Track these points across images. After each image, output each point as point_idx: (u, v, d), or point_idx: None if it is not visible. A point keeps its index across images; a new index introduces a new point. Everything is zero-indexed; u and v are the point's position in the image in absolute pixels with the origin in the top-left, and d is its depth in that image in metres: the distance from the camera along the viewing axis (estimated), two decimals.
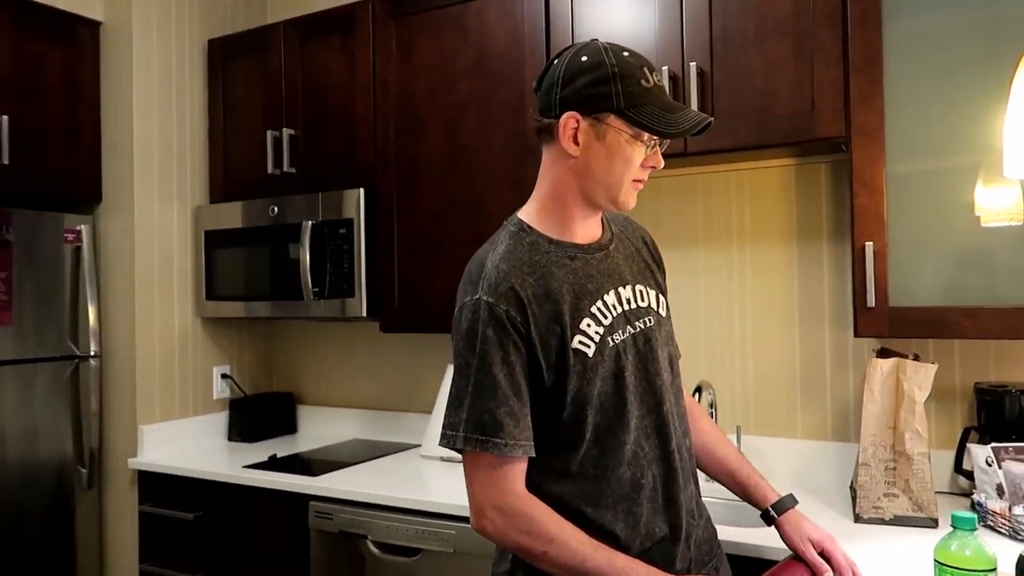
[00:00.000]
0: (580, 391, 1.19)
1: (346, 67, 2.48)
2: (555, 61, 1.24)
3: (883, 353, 1.80)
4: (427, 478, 2.22)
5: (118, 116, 2.59)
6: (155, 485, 2.44)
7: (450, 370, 2.41)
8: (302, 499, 2.14)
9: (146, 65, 2.60)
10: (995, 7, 1.65)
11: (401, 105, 2.38)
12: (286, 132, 2.56)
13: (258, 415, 2.78)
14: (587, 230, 1.29)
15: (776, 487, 1.42)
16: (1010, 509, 1.53)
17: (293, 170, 2.56)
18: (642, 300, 1.30)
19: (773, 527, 1.37)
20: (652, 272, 1.37)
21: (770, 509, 1.37)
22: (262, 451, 2.54)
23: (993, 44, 1.64)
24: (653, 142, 1.22)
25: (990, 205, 1.67)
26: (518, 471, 1.18)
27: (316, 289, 2.43)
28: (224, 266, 2.66)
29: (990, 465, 1.59)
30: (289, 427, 2.89)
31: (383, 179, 2.39)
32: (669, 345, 1.34)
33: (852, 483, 1.78)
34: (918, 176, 1.75)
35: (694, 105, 1.91)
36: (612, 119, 1.18)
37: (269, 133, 2.58)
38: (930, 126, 1.73)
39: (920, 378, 1.67)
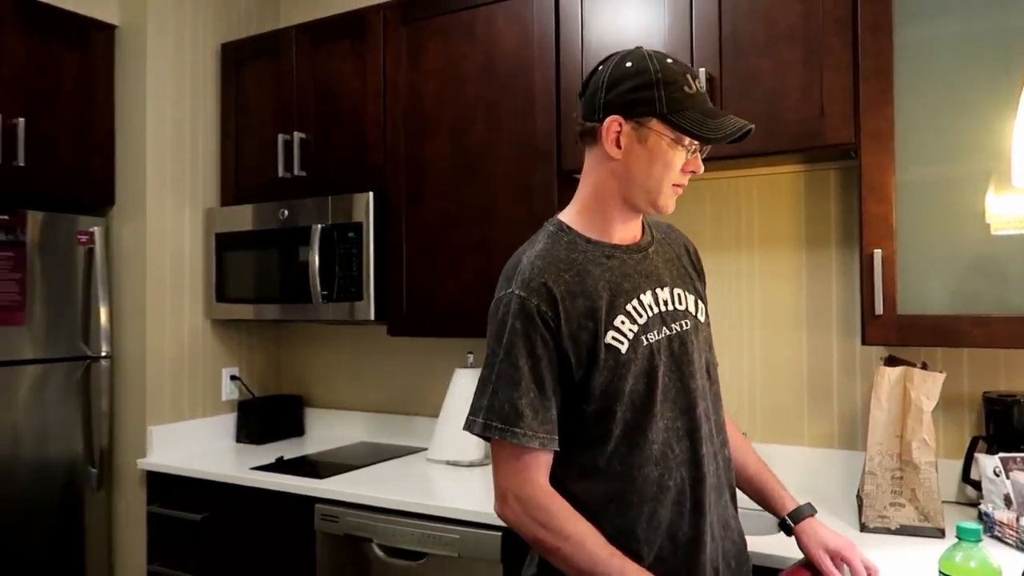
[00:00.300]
0: (610, 386, 1.20)
1: (357, 71, 2.50)
2: (600, 67, 1.26)
3: (891, 361, 1.79)
4: (433, 482, 2.22)
5: (132, 119, 2.61)
6: (163, 486, 2.46)
7: (458, 374, 2.42)
8: (308, 501, 2.15)
9: (160, 69, 2.62)
10: (1005, 15, 1.64)
11: (410, 109, 2.39)
12: (297, 135, 2.57)
13: (266, 417, 2.79)
14: (627, 232, 1.31)
15: None
16: (1018, 520, 1.52)
17: (303, 173, 2.57)
18: (680, 303, 1.31)
19: (792, 537, 1.37)
20: (692, 279, 1.37)
21: (787, 518, 1.37)
22: (270, 453, 2.55)
23: (1004, 52, 1.63)
24: (694, 147, 1.24)
25: (1000, 213, 1.66)
26: (541, 463, 1.20)
27: (325, 292, 2.44)
28: (234, 268, 2.68)
29: (998, 475, 1.57)
30: (297, 429, 2.90)
31: (392, 183, 2.40)
32: (707, 351, 1.34)
33: (859, 492, 1.77)
34: (928, 183, 1.74)
35: None
36: (654, 123, 1.21)
37: (280, 136, 2.60)
38: (940, 133, 1.72)
39: (928, 387, 1.65)
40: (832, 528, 1.36)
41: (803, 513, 1.36)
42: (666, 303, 1.28)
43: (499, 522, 1.82)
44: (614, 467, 1.22)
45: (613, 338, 1.21)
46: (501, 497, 1.22)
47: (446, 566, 1.93)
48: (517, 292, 1.21)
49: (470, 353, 2.49)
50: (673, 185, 1.25)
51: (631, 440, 1.21)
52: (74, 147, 2.54)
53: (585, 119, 1.27)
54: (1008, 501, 1.55)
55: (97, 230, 2.57)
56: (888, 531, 1.64)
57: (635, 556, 1.20)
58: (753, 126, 1.24)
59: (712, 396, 1.33)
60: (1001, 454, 1.57)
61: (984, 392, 1.84)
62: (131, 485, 2.57)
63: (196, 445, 2.67)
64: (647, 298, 1.26)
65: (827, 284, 2.10)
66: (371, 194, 2.39)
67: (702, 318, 1.35)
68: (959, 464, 1.87)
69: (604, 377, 1.20)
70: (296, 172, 2.58)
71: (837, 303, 2.09)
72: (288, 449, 2.62)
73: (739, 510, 1.38)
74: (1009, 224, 1.66)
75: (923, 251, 1.73)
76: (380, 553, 2.02)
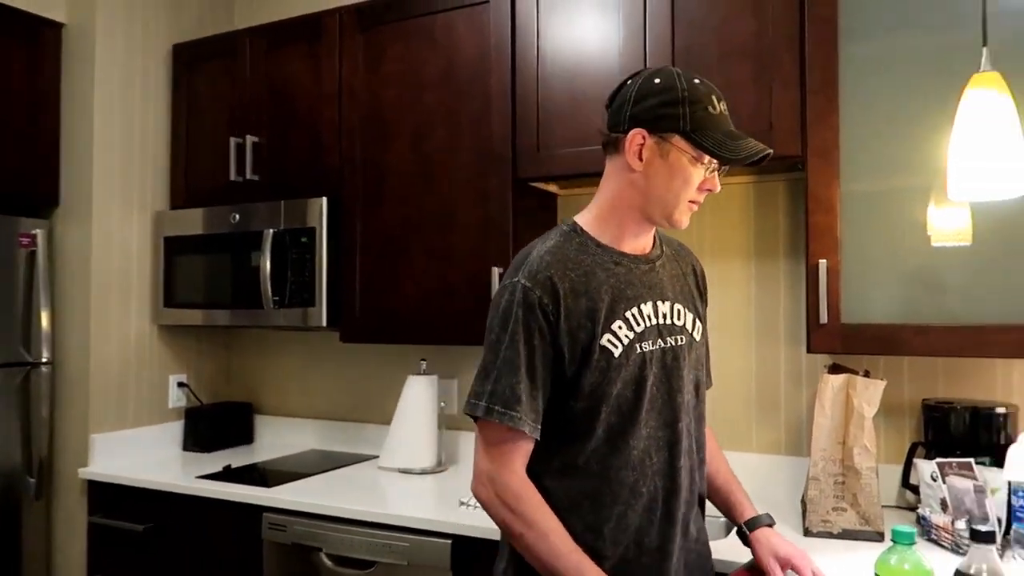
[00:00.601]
0: (599, 387, 1.24)
1: (312, 75, 2.48)
2: (628, 81, 1.30)
3: (835, 369, 1.83)
4: (384, 490, 2.20)
5: (79, 119, 2.55)
6: (105, 496, 2.38)
7: (410, 381, 2.40)
8: (256, 510, 2.10)
9: (109, 68, 2.56)
10: (947, 33, 1.70)
11: (368, 114, 2.37)
12: (249, 139, 2.54)
13: (215, 425, 2.74)
14: (638, 243, 1.34)
15: None
16: (953, 523, 1.56)
17: (256, 177, 2.54)
18: (678, 319, 1.34)
19: (748, 546, 1.40)
20: (694, 298, 1.41)
21: (743, 525, 1.40)
22: (217, 461, 2.49)
23: (945, 68, 1.68)
24: (712, 166, 1.27)
25: (940, 225, 1.71)
26: (523, 451, 1.24)
27: (276, 298, 2.40)
28: (183, 273, 2.63)
29: (935, 480, 1.61)
30: (246, 437, 2.85)
31: (348, 188, 2.39)
32: (698, 370, 1.37)
33: (803, 497, 1.80)
34: (871, 196, 1.78)
35: None
36: (677, 139, 1.24)
37: (232, 140, 2.56)
38: (883, 147, 1.77)
39: (869, 394, 1.70)
40: (781, 535, 1.39)
41: (759, 522, 1.39)
42: (665, 316, 1.32)
43: (449, 529, 1.84)
44: (592, 466, 1.25)
45: (608, 341, 1.25)
46: (478, 477, 1.26)
47: (395, 575, 1.90)
48: (522, 282, 1.25)
49: (423, 360, 2.47)
50: (689, 201, 1.29)
51: (612, 443, 1.25)
52: (17, 146, 2.46)
53: (610, 130, 1.30)
54: (944, 505, 1.59)
55: (40, 232, 2.50)
56: (831, 535, 1.67)
57: (598, 553, 1.23)
58: (771, 151, 1.27)
59: (696, 414, 1.36)
60: (938, 459, 1.61)
61: (923, 399, 1.89)
62: (71, 495, 2.49)
63: (141, 454, 2.60)
64: (647, 308, 1.30)
65: (775, 294, 2.14)
66: (325, 199, 2.37)
67: (698, 337, 1.38)
68: (900, 469, 1.92)
69: (594, 377, 1.24)
70: (248, 176, 2.54)
71: (784, 312, 2.13)
72: (237, 457, 2.57)
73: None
74: (948, 236, 1.71)
75: (866, 262, 1.78)
76: (328, 562, 1.99)
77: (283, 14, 2.71)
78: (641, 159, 1.26)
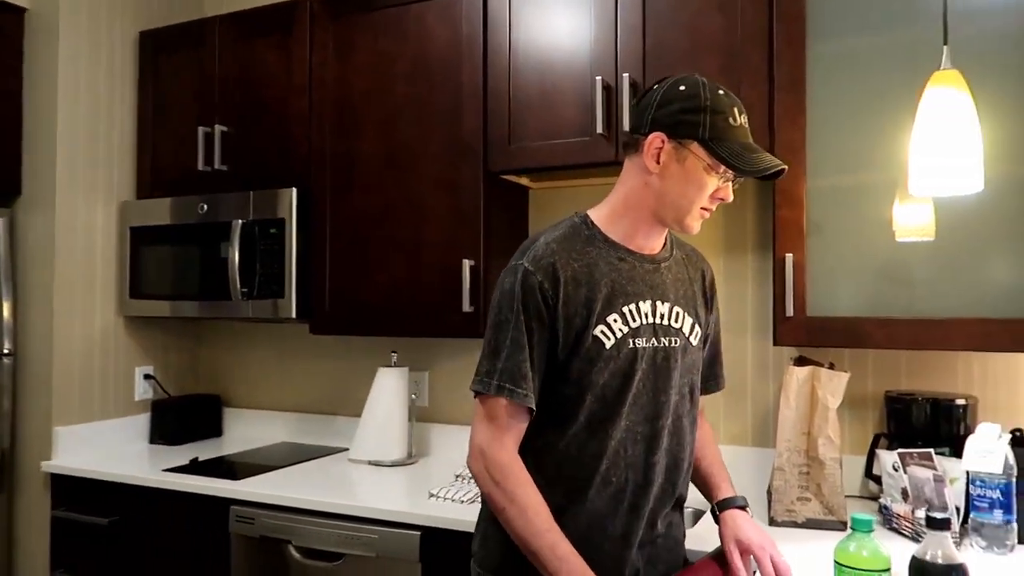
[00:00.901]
0: (587, 375, 1.28)
1: (282, 65, 2.45)
2: (656, 86, 1.33)
3: (800, 362, 1.86)
4: (353, 482, 2.19)
5: (42, 107, 2.50)
6: (69, 489, 2.35)
7: (381, 373, 2.40)
8: (223, 503, 2.09)
9: (73, 55, 2.51)
10: (911, 32, 1.73)
11: (338, 105, 2.36)
12: (218, 128, 2.51)
13: (182, 417, 2.71)
14: (647, 243, 1.37)
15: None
16: (913, 512, 1.59)
17: (224, 167, 2.51)
18: (675, 321, 1.37)
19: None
20: (696, 303, 1.42)
21: (715, 506, 1.42)
22: (185, 454, 2.47)
23: (909, 67, 1.71)
24: (727, 176, 1.29)
25: (904, 221, 1.74)
26: (518, 429, 1.29)
27: (245, 289, 2.38)
28: (150, 264, 2.59)
29: (896, 470, 1.65)
30: (215, 430, 2.82)
31: (317, 179, 2.37)
32: (692, 373, 1.40)
33: (768, 487, 1.83)
34: (837, 191, 1.81)
35: (625, 115, 1.95)
36: (694, 146, 1.27)
37: (200, 129, 2.53)
38: (849, 143, 1.79)
39: (833, 386, 1.72)
40: (751, 519, 1.39)
41: (730, 503, 1.41)
42: (662, 317, 1.35)
43: (418, 521, 1.84)
44: (571, 451, 1.30)
45: (601, 332, 1.28)
46: (472, 450, 1.31)
47: (364, 567, 1.90)
48: (526, 265, 1.29)
49: (394, 352, 2.46)
50: (701, 208, 1.31)
51: (592, 431, 1.29)
52: None
53: (632, 130, 1.34)
54: (905, 494, 1.63)
55: (1, 222, 2.44)
56: (795, 524, 1.70)
57: (562, 530, 1.26)
58: (786, 167, 1.30)
59: (688, 416, 1.39)
60: (900, 450, 1.64)
61: (886, 391, 1.93)
62: (34, 488, 2.45)
63: (106, 447, 2.56)
64: (645, 306, 1.33)
65: (743, 288, 2.17)
66: (295, 190, 2.35)
67: (695, 342, 1.40)
68: (863, 460, 1.95)
69: (583, 364, 1.28)
70: (217, 166, 2.51)
71: (752, 306, 2.16)
72: (204, 450, 2.54)
73: None
74: (912, 232, 1.74)
75: (832, 256, 1.81)
76: (297, 555, 1.98)
77: (253, 2, 2.69)
78: (658, 162, 1.29)
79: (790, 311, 1.80)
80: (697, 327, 1.41)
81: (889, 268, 1.76)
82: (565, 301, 1.28)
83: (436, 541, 1.83)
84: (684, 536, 1.47)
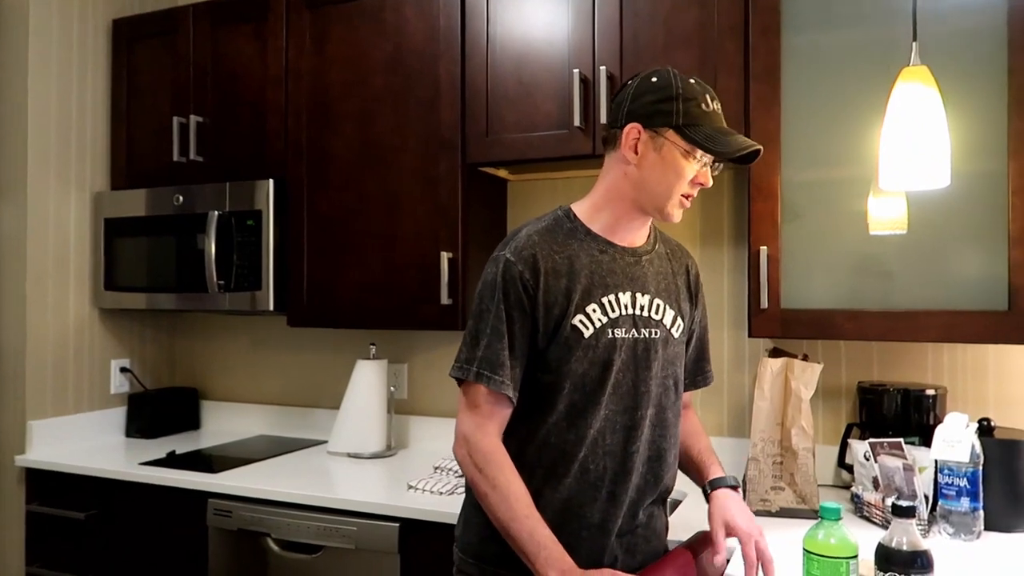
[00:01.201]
0: (566, 364, 1.31)
1: (258, 55, 2.43)
2: (630, 81, 1.38)
3: (775, 353, 1.88)
4: (332, 474, 2.19)
5: (12, 96, 2.46)
6: (44, 483, 2.33)
7: (360, 365, 2.40)
8: (201, 496, 2.08)
9: (44, 44, 2.47)
10: (882, 28, 1.74)
11: (314, 97, 2.34)
12: (193, 119, 2.48)
13: (159, 411, 2.69)
14: (629, 235, 1.40)
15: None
16: (883, 500, 1.62)
17: (200, 158, 2.48)
18: (656, 313, 1.39)
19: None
20: (679, 297, 1.44)
21: (707, 485, 1.43)
22: (162, 448, 2.45)
23: (881, 63, 1.73)
24: (705, 160, 1.32)
25: (877, 214, 1.77)
26: (500, 416, 1.32)
27: (222, 282, 2.36)
28: (125, 256, 2.56)
29: (868, 459, 1.67)
30: (192, 423, 2.80)
31: (294, 171, 2.35)
32: (674, 366, 1.42)
33: (743, 477, 1.85)
34: (811, 184, 1.83)
35: (603, 108, 1.95)
36: (670, 134, 1.30)
37: (176, 119, 2.50)
38: (823, 137, 1.81)
39: (807, 377, 1.75)
40: (740, 501, 1.40)
41: (721, 482, 1.42)
42: (642, 308, 1.37)
43: (397, 513, 1.85)
44: (551, 438, 1.33)
45: (580, 321, 1.31)
46: (457, 438, 1.34)
47: (343, 558, 1.90)
48: (507, 256, 1.33)
49: (372, 344, 2.46)
50: (682, 196, 1.34)
51: (572, 419, 1.32)
52: None
53: (609, 125, 1.38)
54: (876, 483, 1.66)
55: None
56: (769, 513, 1.73)
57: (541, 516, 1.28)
58: (761, 148, 1.32)
59: (673, 410, 1.41)
60: (871, 439, 1.67)
61: (859, 382, 1.96)
62: (8, 483, 2.42)
63: (81, 440, 2.54)
64: (625, 298, 1.35)
65: (719, 280, 2.19)
66: (271, 181, 2.33)
67: (676, 334, 1.42)
68: (836, 450, 1.98)
69: (562, 353, 1.31)
70: (192, 156, 2.48)
71: (728, 298, 2.18)
72: (181, 444, 2.53)
73: None
74: (885, 225, 1.77)
75: (806, 249, 1.83)
76: (275, 547, 1.98)
77: None
78: (636, 152, 1.32)
79: (764, 303, 1.82)
80: (680, 320, 1.43)
81: (862, 261, 1.79)
82: (545, 290, 1.31)
83: (415, 532, 1.84)
84: (667, 528, 1.49)
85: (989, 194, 1.69)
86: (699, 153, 1.30)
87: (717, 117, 1.32)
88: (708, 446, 1.54)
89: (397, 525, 1.85)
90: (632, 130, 1.31)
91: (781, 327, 1.82)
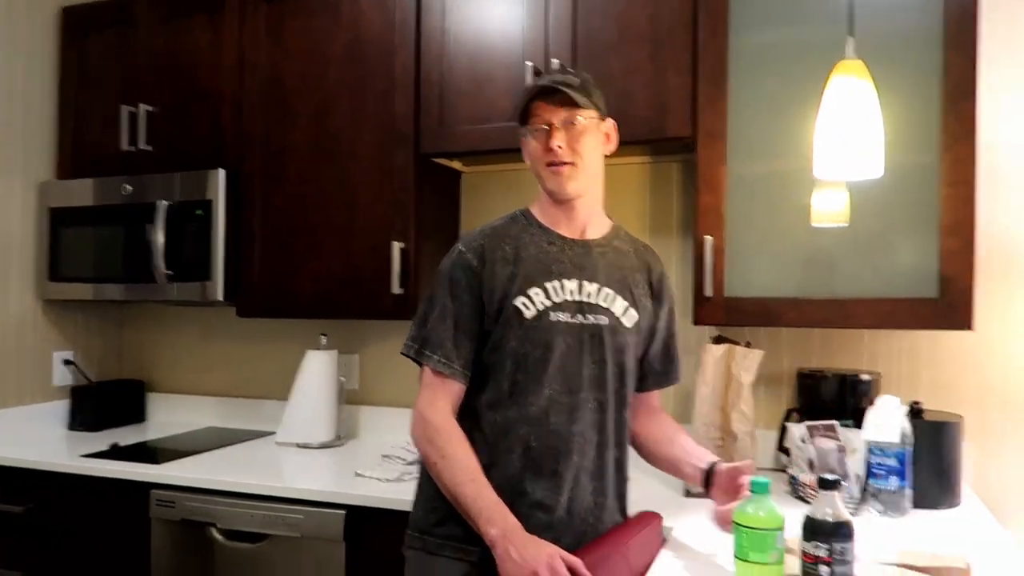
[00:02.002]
0: (507, 343, 1.37)
1: (212, 46, 2.41)
2: None
3: (718, 341, 1.92)
4: (278, 464, 2.17)
5: None
6: None
7: (309, 356, 2.39)
8: (143, 488, 2.04)
9: None
10: (827, 25, 1.79)
11: (270, 89, 2.33)
12: (143, 108, 2.45)
13: (103, 403, 2.64)
14: (573, 226, 1.47)
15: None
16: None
17: (149, 148, 2.45)
18: (604, 301, 1.43)
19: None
20: (634, 290, 1.48)
21: (708, 468, 1.44)
22: (105, 440, 2.40)
23: (824, 58, 1.76)
24: (537, 128, 1.41)
25: (819, 207, 1.82)
26: (449, 391, 1.39)
27: (170, 272, 2.33)
28: (71, 246, 2.52)
29: (804, 442, 1.72)
30: (137, 416, 2.75)
31: (247, 162, 2.34)
32: (623, 354, 1.44)
33: None
34: (756, 177, 1.88)
35: None
36: (520, 127, 1.45)
37: (124, 108, 2.47)
38: (768, 131, 1.86)
39: (748, 363, 1.79)
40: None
41: (719, 462, 1.44)
42: (589, 295, 1.42)
43: (343, 500, 1.84)
44: (496, 416, 1.38)
45: (522, 303, 1.38)
46: (413, 416, 1.40)
47: (288, 547, 1.89)
48: (460, 247, 1.44)
49: (323, 335, 2.45)
50: (548, 166, 1.41)
51: (514, 398, 1.37)
52: None
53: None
54: (811, 464, 1.70)
55: None
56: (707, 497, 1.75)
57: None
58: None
59: (618, 397, 1.44)
60: (807, 423, 1.72)
61: (799, 369, 2.01)
62: None
63: (22, 433, 2.47)
64: (571, 284, 1.41)
65: (668, 270, 2.20)
66: (222, 171, 2.31)
67: (627, 323, 1.45)
68: (776, 434, 2.03)
69: (505, 334, 1.37)
70: (141, 146, 2.45)
71: (677, 288, 2.20)
72: (126, 436, 2.48)
73: None
74: (827, 218, 1.82)
75: (750, 239, 1.87)
76: (220, 537, 1.96)
77: None
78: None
79: (709, 292, 1.87)
80: (632, 311, 1.46)
81: (804, 252, 1.84)
82: (491, 276, 1.39)
83: (362, 520, 1.83)
84: (621, 514, 1.49)
85: (923, 187, 1.75)
86: (529, 125, 1.42)
87: (531, 85, 1.47)
88: (690, 441, 1.56)
89: (343, 513, 1.84)
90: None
91: (725, 315, 1.87)
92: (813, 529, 1.14)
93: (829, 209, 1.83)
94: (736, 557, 1.17)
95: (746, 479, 1.29)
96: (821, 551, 1.12)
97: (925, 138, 1.75)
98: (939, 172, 1.74)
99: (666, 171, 2.25)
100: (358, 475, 1.96)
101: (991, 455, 1.96)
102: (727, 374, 1.81)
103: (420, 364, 1.41)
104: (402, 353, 1.44)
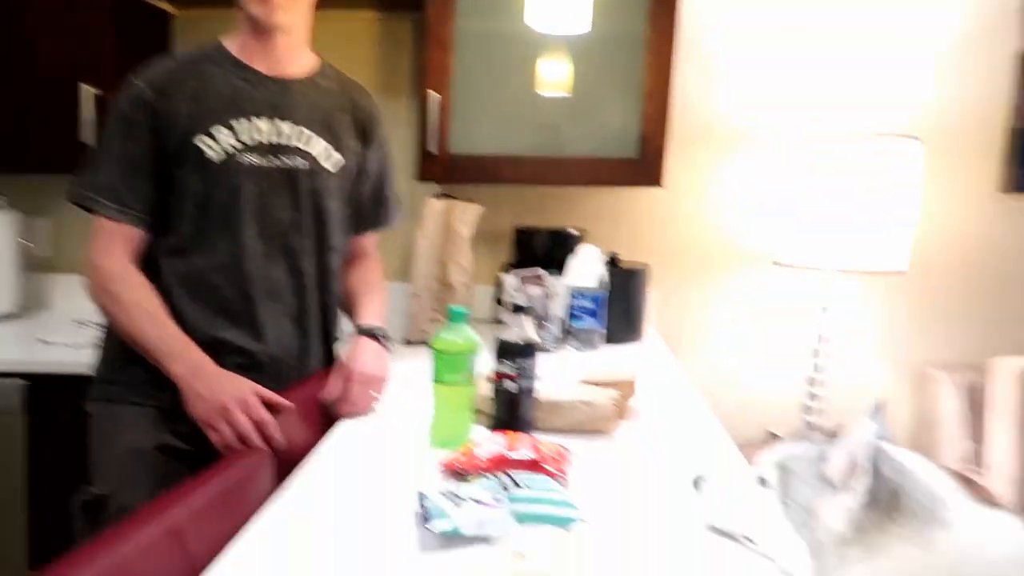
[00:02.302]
0: (190, 186, 1.26)
1: None
2: None
3: (441, 197, 1.94)
4: None
5: None
6: None
7: None
8: None
9: None
10: None
11: None
12: None
13: None
14: (272, 61, 1.32)
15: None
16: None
17: None
18: (301, 143, 1.33)
19: None
20: (338, 130, 1.38)
21: (355, 329, 1.41)
22: None
23: None
24: None
25: (546, 76, 1.86)
26: (125, 237, 1.26)
27: None
28: None
29: (516, 291, 1.81)
30: None
31: None
32: (322, 198, 1.36)
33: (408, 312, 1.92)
34: (484, 36, 1.87)
35: None
36: None
37: None
38: None
39: (467, 217, 1.83)
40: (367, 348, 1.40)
41: (365, 330, 1.40)
42: (283, 136, 1.32)
43: (22, 369, 1.64)
44: (180, 266, 1.28)
45: (205, 143, 1.26)
46: (87, 268, 1.26)
47: None
48: (135, 81, 1.27)
49: (2, 195, 2.11)
50: None
51: (201, 245, 1.28)
52: None
53: None
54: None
55: None
56: (425, 344, 1.80)
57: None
58: None
59: (315, 239, 1.36)
60: (518, 271, 1.81)
61: (515, 226, 2.10)
62: None
63: None
64: (262, 123, 1.30)
65: (397, 130, 2.17)
66: None
67: (328, 166, 1.36)
68: (496, 290, 2.12)
69: (186, 177, 1.26)
70: None
71: (407, 148, 2.18)
72: None
73: None
74: (551, 86, 1.88)
75: (477, 98, 1.88)
76: None
77: None
78: None
79: (433, 148, 1.86)
80: (334, 153, 1.38)
81: (526, 114, 1.89)
82: (169, 111, 1.25)
83: (44, 389, 1.65)
84: (328, 357, 1.45)
85: (631, 54, 1.85)
86: None
87: None
88: (373, 295, 1.49)
89: (24, 383, 1.64)
90: None
91: (447, 171, 1.88)
92: (504, 349, 1.20)
93: (553, 78, 1.88)
94: (434, 381, 1.20)
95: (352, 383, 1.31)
96: (507, 367, 1.19)
97: (635, 7, 1.84)
98: (644, 41, 1.85)
99: (397, 29, 2.17)
100: (41, 341, 1.75)
101: (672, 299, 2.23)
102: (447, 228, 1.83)
103: (91, 211, 1.26)
104: (68, 200, 1.27)
